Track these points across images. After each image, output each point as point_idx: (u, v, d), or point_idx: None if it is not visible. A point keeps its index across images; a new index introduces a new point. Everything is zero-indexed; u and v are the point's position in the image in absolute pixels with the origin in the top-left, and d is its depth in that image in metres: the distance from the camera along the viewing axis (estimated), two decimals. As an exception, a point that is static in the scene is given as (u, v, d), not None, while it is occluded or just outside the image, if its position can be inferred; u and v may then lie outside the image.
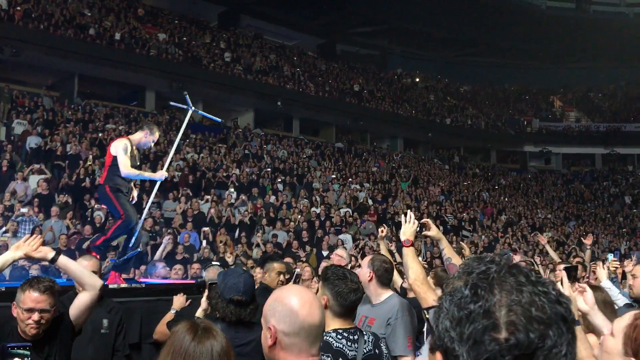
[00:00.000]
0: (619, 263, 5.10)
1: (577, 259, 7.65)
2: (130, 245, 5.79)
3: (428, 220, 3.43)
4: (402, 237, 3.26)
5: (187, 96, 6.53)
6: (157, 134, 5.81)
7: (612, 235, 22.99)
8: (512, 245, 17.80)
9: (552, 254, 8.59)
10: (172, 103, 7.32)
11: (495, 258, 0.97)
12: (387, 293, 3.47)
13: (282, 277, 4.68)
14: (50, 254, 2.88)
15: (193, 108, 6.40)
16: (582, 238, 14.71)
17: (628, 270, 4.52)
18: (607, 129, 35.24)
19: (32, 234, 8.78)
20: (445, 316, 0.92)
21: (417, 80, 37.32)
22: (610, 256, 10.41)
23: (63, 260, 2.93)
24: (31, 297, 2.68)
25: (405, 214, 3.38)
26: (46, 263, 9.41)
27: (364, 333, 2.68)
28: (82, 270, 2.99)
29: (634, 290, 3.92)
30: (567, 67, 39.99)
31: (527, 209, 24.92)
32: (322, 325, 1.75)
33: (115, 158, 5.50)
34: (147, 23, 24.02)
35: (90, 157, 14.47)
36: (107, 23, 21.40)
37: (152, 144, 5.97)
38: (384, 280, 3.48)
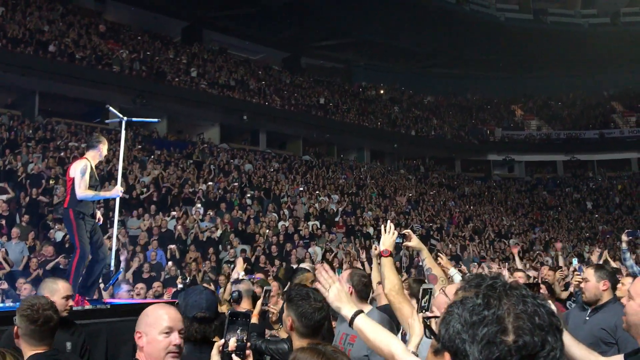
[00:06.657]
0: (580, 274, 5.09)
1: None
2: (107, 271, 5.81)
3: (409, 230, 3.46)
4: (382, 247, 3.25)
5: (111, 108, 6.91)
6: (105, 144, 5.89)
7: (575, 240, 23.51)
8: (480, 253, 18.06)
9: (518, 262, 8.70)
10: (107, 121, 7.63)
11: (495, 275, 1.11)
12: (367, 308, 3.45)
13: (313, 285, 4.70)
14: None
15: (125, 118, 6.56)
16: (554, 243, 15.09)
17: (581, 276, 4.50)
18: (567, 136, 36.15)
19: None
20: (457, 320, 1.04)
21: (382, 92, 37.68)
22: (575, 261, 10.60)
23: None
24: None
25: (385, 225, 3.36)
26: (5, 286, 9.05)
27: None
28: None
29: (585, 294, 3.86)
30: (527, 77, 40.91)
31: (492, 216, 25.31)
32: None
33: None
34: (109, 39, 23.71)
35: (53, 176, 14.15)
36: (68, 39, 21.05)
37: (104, 155, 6.03)
38: (363, 294, 3.49)
